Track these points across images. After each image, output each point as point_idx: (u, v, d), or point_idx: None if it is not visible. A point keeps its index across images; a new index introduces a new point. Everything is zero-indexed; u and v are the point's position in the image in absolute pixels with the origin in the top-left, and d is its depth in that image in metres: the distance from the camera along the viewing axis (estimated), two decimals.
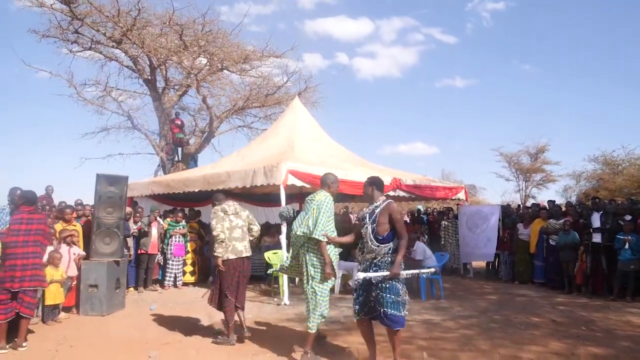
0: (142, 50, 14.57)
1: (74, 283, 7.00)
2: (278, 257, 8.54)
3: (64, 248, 6.83)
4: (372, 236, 4.28)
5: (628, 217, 8.58)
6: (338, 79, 48.81)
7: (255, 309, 7.43)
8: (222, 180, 8.89)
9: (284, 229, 8.09)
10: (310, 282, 4.73)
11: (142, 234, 9.13)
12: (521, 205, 16.77)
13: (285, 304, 7.67)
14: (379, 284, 4.21)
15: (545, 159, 28.55)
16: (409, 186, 10.02)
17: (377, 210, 4.32)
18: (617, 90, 39.13)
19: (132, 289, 9.00)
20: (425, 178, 11.36)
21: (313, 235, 4.58)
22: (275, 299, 8.15)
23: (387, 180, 9.47)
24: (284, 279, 7.91)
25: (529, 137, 40.94)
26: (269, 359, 4.88)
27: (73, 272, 6.91)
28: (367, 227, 4.33)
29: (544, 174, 28.99)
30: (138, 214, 9.25)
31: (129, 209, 8.67)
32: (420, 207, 15.54)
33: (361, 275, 4.24)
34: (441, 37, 47.92)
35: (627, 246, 8.21)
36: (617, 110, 39.71)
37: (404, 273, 4.31)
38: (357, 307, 4.40)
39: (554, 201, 12.06)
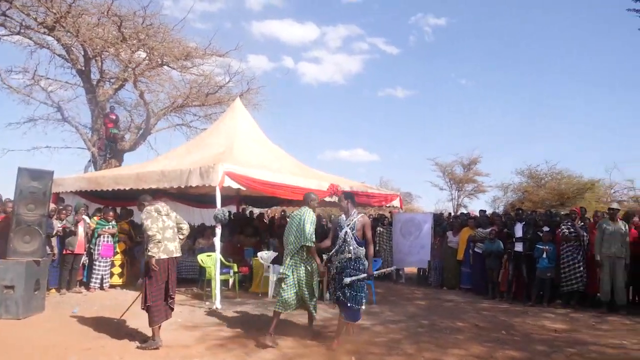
0: (77, 39, 13.82)
1: None
2: (212, 260, 8.37)
3: None
4: (354, 241, 5.35)
5: (546, 228, 9.17)
6: (282, 82, 48.77)
7: (186, 313, 7.25)
8: (156, 179, 8.61)
9: (218, 231, 7.95)
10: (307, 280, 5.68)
11: (68, 233, 8.66)
12: (452, 214, 17.47)
13: (217, 308, 7.54)
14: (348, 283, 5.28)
15: (477, 170, 29.99)
16: (346, 192, 10.15)
17: (355, 220, 5.41)
18: (543, 108, 41.78)
19: (53, 290, 8.52)
20: (362, 185, 11.58)
21: (306, 243, 5.54)
22: (207, 303, 7.99)
23: (324, 186, 9.57)
24: (216, 282, 7.77)
25: (463, 149, 42.75)
26: None
27: None
28: (347, 233, 5.36)
29: (475, 184, 30.41)
30: (64, 212, 8.77)
31: (53, 206, 8.21)
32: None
33: (348, 280, 5.22)
34: (385, 47, 49.10)
35: (544, 255, 8.79)
36: (542, 127, 42.36)
37: (376, 273, 5.70)
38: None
39: (485, 211, 12.67)
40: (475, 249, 10.10)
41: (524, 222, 9.52)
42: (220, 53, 15.84)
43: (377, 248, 12.08)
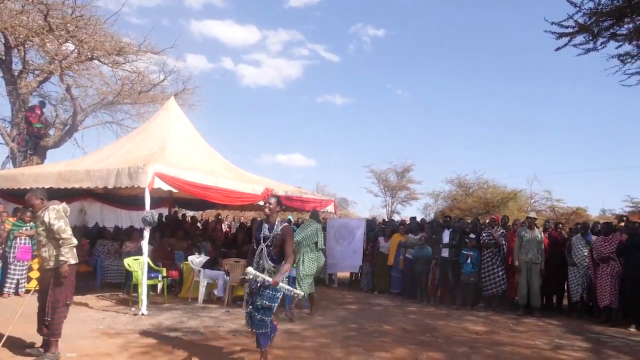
0: None
1: None
2: (139, 264, 8.06)
3: None
4: (269, 258, 4.74)
5: (472, 235, 9.63)
6: (221, 83, 47.98)
7: (109, 319, 6.93)
8: (80, 178, 8.17)
9: (146, 234, 7.67)
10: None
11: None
12: (384, 220, 17.92)
13: (142, 314, 7.26)
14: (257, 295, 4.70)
15: (410, 178, 31.03)
16: (280, 197, 10.13)
17: (276, 234, 4.73)
18: (473, 121, 44.02)
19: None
20: (298, 190, 11.63)
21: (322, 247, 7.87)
22: (133, 309, 7.67)
23: (258, 190, 9.50)
24: (143, 287, 7.49)
25: (398, 157, 44.05)
26: None
27: None
28: (263, 251, 4.76)
29: (408, 191, 31.43)
30: None
31: None
32: (290, 217, 15.82)
33: (251, 271, 4.65)
34: (325, 54, 49.70)
35: (469, 261, 9.23)
36: (472, 137, 44.56)
37: (284, 286, 4.74)
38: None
39: (415, 217, 13.10)
40: (406, 255, 10.41)
41: (451, 229, 9.95)
42: (155, 50, 15.27)
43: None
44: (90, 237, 10.87)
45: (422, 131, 46.61)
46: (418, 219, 12.63)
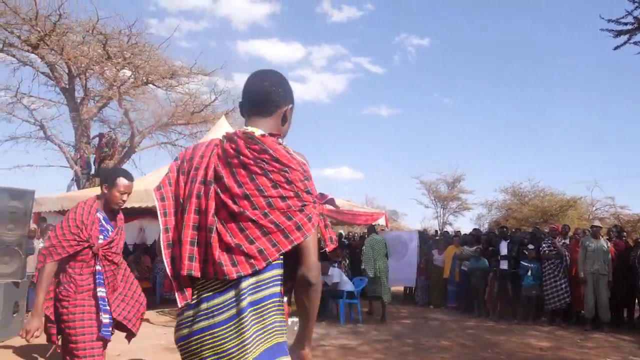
0: (61, 57, 13.78)
1: None
2: None
3: None
4: None
5: (531, 247, 9.25)
6: None
7: (169, 335, 7.08)
8: (140, 197, 8.49)
9: None
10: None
11: None
12: (437, 232, 17.56)
13: None
14: None
15: (461, 188, 30.36)
16: (331, 211, 10.13)
17: None
18: (526, 126, 42.58)
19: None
20: (348, 203, 11.60)
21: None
22: None
23: None
24: None
25: (447, 167, 43.17)
26: None
27: None
28: None
29: (460, 202, 30.74)
30: (41, 231, 8.61)
31: (34, 226, 8.06)
32: (341, 231, 15.80)
33: None
34: (369, 66, 49.76)
35: (529, 273, 8.85)
36: (525, 145, 43.09)
37: None
38: None
39: (477, 229, 12.78)
40: (462, 267, 10.13)
41: (508, 240, 9.60)
42: (205, 72, 15.88)
43: (363, 267, 12.04)
44: (149, 254, 11.26)
45: (472, 139, 45.58)
46: (471, 230, 12.30)
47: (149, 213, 12.79)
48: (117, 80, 14.47)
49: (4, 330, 6.39)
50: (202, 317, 1.51)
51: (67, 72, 14.58)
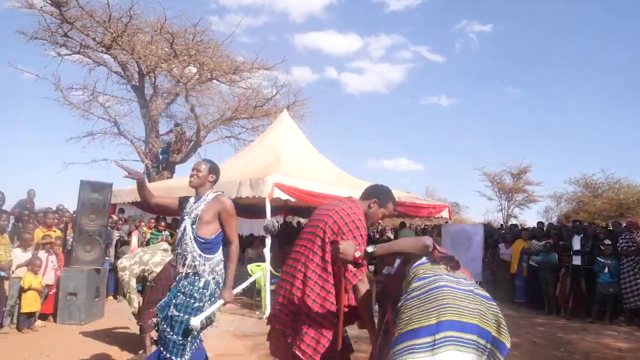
0: (132, 56, 14.53)
1: (53, 291, 6.87)
2: (261, 270, 8.47)
3: (42, 254, 6.71)
4: (195, 243, 3.33)
5: (608, 242, 8.73)
6: (325, 93, 49.10)
7: (237, 322, 7.37)
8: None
9: (268, 241, 8.06)
10: None
11: (122, 243, 9.00)
12: (504, 225, 16.97)
13: (267, 318, 7.59)
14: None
15: (527, 179, 29.09)
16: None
17: (202, 207, 3.38)
18: (598, 114, 40.09)
19: (111, 297, 8.86)
20: (410, 195, 11.45)
21: None
22: (257, 313, 8.09)
23: None
24: (267, 293, 7.86)
25: (512, 158, 41.50)
26: None
27: (50, 279, 6.78)
28: (186, 230, 3.37)
29: (526, 194, 29.46)
30: (121, 222, 9.15)
31: (114, 217, 8.57)
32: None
33: (196, 321, 3.20)
34: (429, 55, 48.64)
35: (606, 270, 8.35)
36: (598, 134, 40.62)
37: (238, 290, 3.64)
38: None
39: (543, 222, 12.27)
40: (530, 262, 9.74)
41: (582, 235, 9.12)
42: (267, 66, 16.19)
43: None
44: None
45: (539, 128, 43.53)
46: (543, 224, 11.78)
47: None
48: (184, 77, 15.06)
49: (87, 313, 6.86)
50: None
51: (137, 70, 15.36)
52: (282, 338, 2.75)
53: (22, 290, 6.22)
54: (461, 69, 46.96)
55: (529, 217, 30.70)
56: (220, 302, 3.35)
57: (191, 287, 3.31)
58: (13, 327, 6.25)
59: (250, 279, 3.80)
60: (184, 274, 3.34)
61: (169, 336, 3.27)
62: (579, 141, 40.67)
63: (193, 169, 3.50)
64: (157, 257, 5.12)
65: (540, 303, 9.47)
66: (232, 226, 3.45)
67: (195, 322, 3.18)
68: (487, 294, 2.21)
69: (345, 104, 48.34)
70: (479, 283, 9.99)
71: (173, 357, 3.25)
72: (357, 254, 2.27)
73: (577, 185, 23.81)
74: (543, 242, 9.65)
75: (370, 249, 2.29)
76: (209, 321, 3.43)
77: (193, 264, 3.31)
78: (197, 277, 3.32)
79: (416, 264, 2.24)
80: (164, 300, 3.47)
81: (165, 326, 3.30)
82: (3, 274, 5.77)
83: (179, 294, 3.31)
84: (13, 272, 6.17)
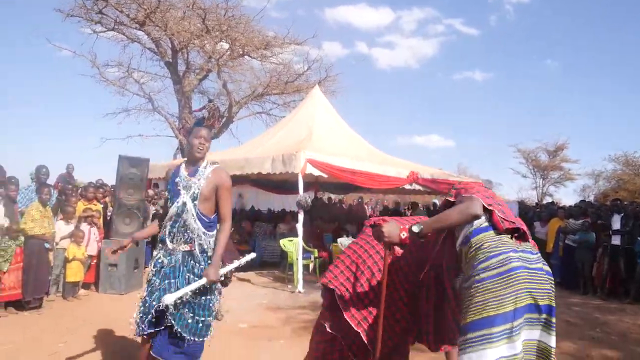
0: (165, 33, 14.65)
1: (94, 262, 7.15)
2: (293, 245, 8.60)
3: (85, 227, 6.97)
4: (198, 219, 3.09)
5: None
6: (356, 68, 48.42)
7: (270, 295, 7.52)
8: (241, 165, 8.94)
9: (300, 216, 8.14)
10: None
11: (157, 216, 9.23)
12: (538, 203, 16.62)
13: (299, 292, 7.75)
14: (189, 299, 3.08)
15: (564, 156, 28.29)
16: (425, 180, 9.98)
17: (203, 181, 3.11)
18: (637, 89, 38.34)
19: (148, 268, 9.14)
20: (442, 172, 11.30)
21: None
22: (290, 286, 8.23)
23: (403, 174, 9.46)
24: (299, 267, 7.97)
25: (548, 134, 40.32)
26: (282, 345, 4.95)
27: (93, 250, 7.06)
28: (186, 207, 3.08)
29: (562, 172, 28.69)
30: (156, 197, 9.37)
31: (151, 192, 8.79)
32: (436, 201, 15.47)
33: (170, 299, 2.97)
34: (462, 28, 47.35)
35: None
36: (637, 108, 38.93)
37: (227, 270, 3.20)
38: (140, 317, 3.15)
39: (584, 201, 11.95)
40: (566, 241, 9.53)
41: (622, 214, 8.84)
42: (298, 41, 16.08)
43: None
44: (249, 219, 11.85)
45: (577, 104, 42.04)
46: (580, 203, 11.47)
47: (246, 180, 13.48)
48: (216, 53, 15.11)
49: (127, 283, 7.13)
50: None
51: (170, 47, 15.49)
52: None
53: (66, 260, 6.51)
54: (496, 42, 45.62)
55: (565, 196, 30.06)
56: (203, 280, 3.01)
57: (201, 265, 3.09)
58: (59, 295, 6.56)
59: (243, 260, 3.26)
60: (187, 253, 3.08)
61: (190, 320, 3.05)
62: (620, 117, 39.15)
63: (199, 137, 3.10)
64: None
65: (576, 283, 9.30)
66: (228, 203, 3.17)
67: (170, 299, 2.95)
68: (548, 268, 2.22)
69: (375, 80, 47.72)
70: None
71: (200, 338, 3.09)
72: (403, 235, 2.16)
73: (617, 162, 23.03)
74: (581, 221, 9.41)
75: (416, 228, 2.15)
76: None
77: (199, 242, 3.09)
78: (204, 255, 3.12)
79: (475, 229, 2.18)
80: (166, 284, 3.08)
81: (184, 310, 3.04)
82: (48, 245, 6.02)
83: (189, 274, 3.07)
84: (57, 244, 6.45)
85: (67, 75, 36.93)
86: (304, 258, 8.61)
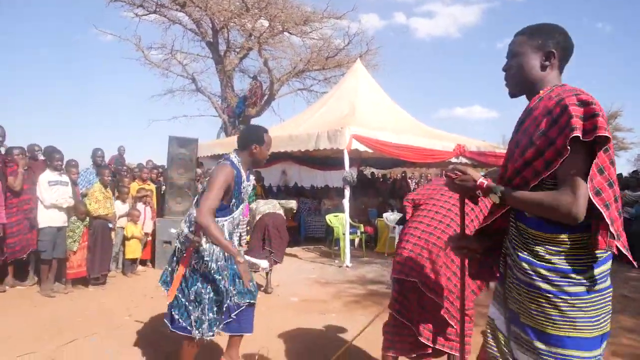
0: (205, 13, 14.75)
1: (149, 239, 7.46)
2: (339, 220, 8.67)
3: (140, 206, 7.26)
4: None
5: None
6: (394, 39, 47.38)
7: (318, 270, 7.66)
8: (285, 143, 9.01)
9: (347, 192, 8.17)
10: None
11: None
12: None
13: (347, 266, 7.85)
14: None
15: (617, 125, 27.01)
16: (472, 153, 9.78)
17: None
18: None
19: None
20: (489, 144, 11.03)
21: None
22: (337, 261, 8.34)
23: (449, 147, 9.30)
24: (345, 242, 8.05)
25: (600, 102, 38.40)
26: (334, 318, 5.05)
27: (148, 228, 7.37)
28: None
29: (615, 141, 27.38)
30: (202, 176, 9.60)
31: (200, 171, 9.03)
32: (482, 172, 15.17)
33: (265, 264, 3.65)
34: None
35: None
36: None
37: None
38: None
39: (637, 171, 11.44)
40: (623, 214, 9.18)
41: None
42: (337, 15, 15.85)
43: None
44: (293, 196, 12.00)
45: (632, 69, 39.69)
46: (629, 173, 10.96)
47: (289, 157, 13.64)
48: (256, 30, 15.12)
49: None
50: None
51: (211, 27, 15.61)
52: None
53: (125, 238, 6.83)
54: (543, 7, 43.33)
55: (618, 166, 28.62)
56: (266, 263, 3.85)
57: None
58: (119, 272, 6.92)
59: (256, 260, 3.67)
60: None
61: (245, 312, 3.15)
62: None
63: (269, 144, 3.09)
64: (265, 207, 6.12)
65: (633, 257, 8.97)
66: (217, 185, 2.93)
67: (265, 265, 3.82)
68: None
69: (414, 50, 46.56)
70: None
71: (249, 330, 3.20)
72: (481, 181, 1.81)
73: None
74: (638, 193, 9.03)
75: (498, 188, 1.77)
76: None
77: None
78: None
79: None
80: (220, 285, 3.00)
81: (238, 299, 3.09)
82: (111, 225, 6.32)
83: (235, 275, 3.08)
84: (116, 223, 6.76)
85: (110, 60, 37.87)
86: (350, 233, 8.69)
